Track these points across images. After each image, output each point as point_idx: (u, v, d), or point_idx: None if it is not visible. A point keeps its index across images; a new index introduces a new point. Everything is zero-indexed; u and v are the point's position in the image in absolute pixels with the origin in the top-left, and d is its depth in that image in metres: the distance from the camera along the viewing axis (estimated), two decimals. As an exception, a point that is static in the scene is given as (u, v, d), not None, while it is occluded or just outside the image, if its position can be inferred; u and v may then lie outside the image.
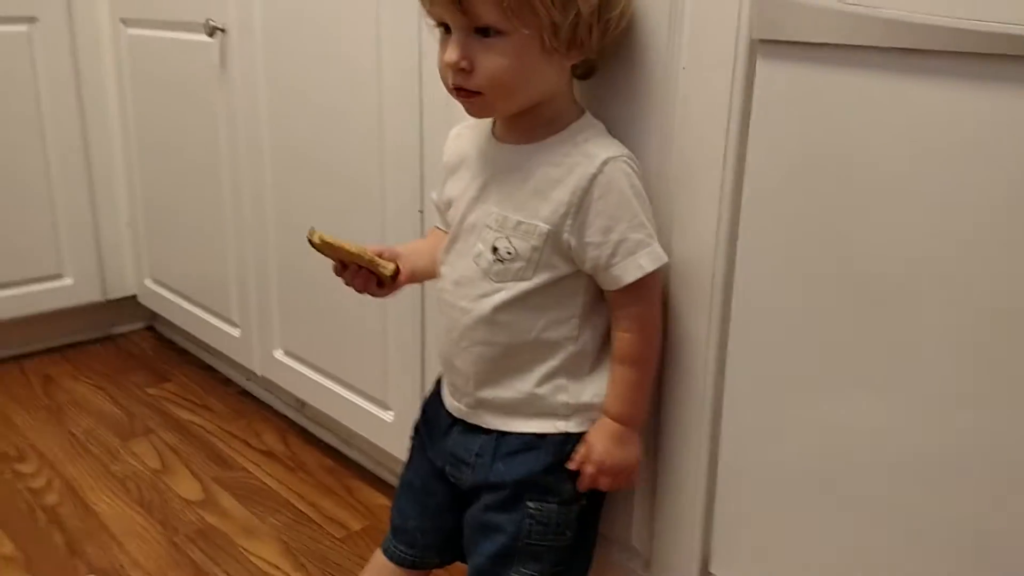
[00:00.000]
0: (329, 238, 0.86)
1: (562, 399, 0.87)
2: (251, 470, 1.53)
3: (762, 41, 0.75)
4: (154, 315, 2.06)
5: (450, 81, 0.80)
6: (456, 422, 0.93)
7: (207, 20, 1.50)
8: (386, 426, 1.34)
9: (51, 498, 1.44)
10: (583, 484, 0.87)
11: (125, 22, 1.80)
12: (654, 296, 0.85)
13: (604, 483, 0.87)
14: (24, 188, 1.83)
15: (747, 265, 0.81)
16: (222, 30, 1.49)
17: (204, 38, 1.52)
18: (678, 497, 0.93)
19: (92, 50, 1.86)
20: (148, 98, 1.81)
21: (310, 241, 0.86)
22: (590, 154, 0.80)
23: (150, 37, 1.74)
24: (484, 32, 0.76)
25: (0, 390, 1.82)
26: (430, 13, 0.79)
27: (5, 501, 1.43)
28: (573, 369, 0.87)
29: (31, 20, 1.77)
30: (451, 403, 0.93)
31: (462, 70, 0.78)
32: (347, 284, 0.91)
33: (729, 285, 0.83)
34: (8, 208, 1.83)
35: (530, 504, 0.87)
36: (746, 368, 0.83)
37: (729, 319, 0.84)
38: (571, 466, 0.87)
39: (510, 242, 0.83)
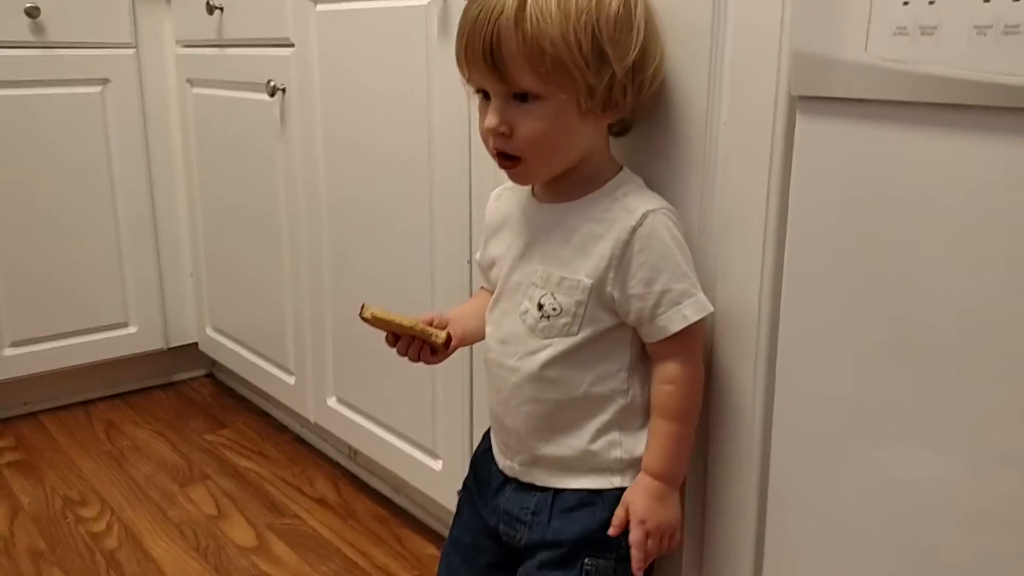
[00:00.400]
0: (380, 312, 0.88)
1: (616, 454, 0.86)
2: (304, 517, 1.55)
3: (801, 97, 0.76)
4: (214, 363, 2.12)
5: (491, 145, 0.82)
6: (509, 480, 0.93)
7: (268, 80, 1.56)
8: (435, 475, 1.35)
9: (110, 542, 1.48)
10: (636, 552, 0.84)
11: (191, 82, 1.89)
12: (698, 347, 0.85)
13: (651, 546, 0.84)
14: (93, 239, 1.92)
15: (792, 315, 0.81)
16: (282, 90, 1.55)
17: (265, 97, 1.58)
18: (726, 556, 0.92)
19: (160, 108, 1.95)
20: (212, 154, 1.88)
21: (362, 317, 0.88)
22: (630, 207, 0.82)
23: (214, 96, 1.81)
24: (522, 97, 0.79)
25: (65, 435, 1.88)
26: (470, 80, 0.82)
27: (66, 544, 1.47)
28: (625, 423, 0.86)
29: (104, 82, 1.87)
30: (503, 462, 0.93)
31: (502, 134, 0.80)
32: (400, 355, 0.93)
33: (775, 335, 0.83)
34: (77, 259, 1.91)
35: (587, 561, 0.86)
36: (795, 420, 0.82)
37: (775, 369, 0.83)
38: (611, 531, 0.85)
39: (555, 298, 0.84)
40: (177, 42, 1.92)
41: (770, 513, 0.87)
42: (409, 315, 0.91)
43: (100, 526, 1.53)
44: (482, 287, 1.01)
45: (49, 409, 1.99)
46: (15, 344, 1.86)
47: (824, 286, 0.77)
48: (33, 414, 1.97)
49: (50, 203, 1.86)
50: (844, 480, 0.79)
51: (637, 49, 0.79)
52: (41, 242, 1.86)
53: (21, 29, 1.76)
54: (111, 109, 1.89)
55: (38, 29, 1.78)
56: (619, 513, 0.85)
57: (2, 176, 1.81)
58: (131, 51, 1.89)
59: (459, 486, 1.02)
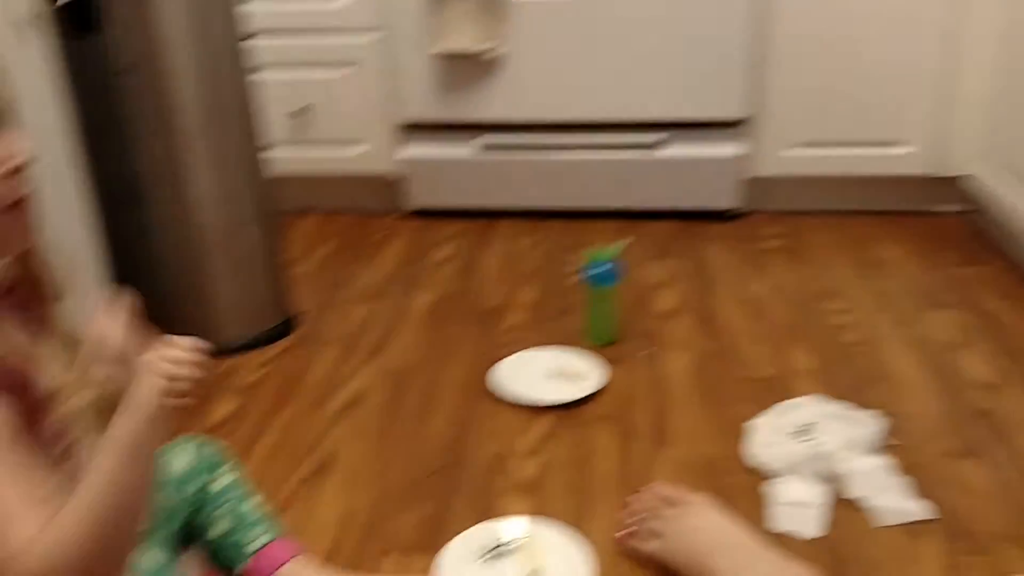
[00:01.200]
0: None
1: None
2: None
3: None
4: (980, 200, 2.02)
5: None
6: None
7: None
8: None
9: (849, 336, 1.60)
10: None
11: None
12: None
13: None
14: (888, 61, 1.97)
15: None
16: None
17: None
18: None
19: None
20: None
21: None
22: None
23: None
24: None
25: (823, 235, 2.03)
26: None
27: (811, 326, 1.64)
28: None
29: None
30: None
31: None
32: None
33: None
34: (869, 77, 1.99)
35: None
36: None
37: None
38: None
39: None
40: None
41: None
42: None
43: (843, 320, 1.66)
44: None
45: (809, 211, 2.14)
46: (803, 145, 2.06)
47: None
48: (792, 212, 2.14)
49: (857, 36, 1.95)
50: None
51: None
52: (839, 60, 1.97)
53: None
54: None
55: None
56: None
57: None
58: None
59: None
